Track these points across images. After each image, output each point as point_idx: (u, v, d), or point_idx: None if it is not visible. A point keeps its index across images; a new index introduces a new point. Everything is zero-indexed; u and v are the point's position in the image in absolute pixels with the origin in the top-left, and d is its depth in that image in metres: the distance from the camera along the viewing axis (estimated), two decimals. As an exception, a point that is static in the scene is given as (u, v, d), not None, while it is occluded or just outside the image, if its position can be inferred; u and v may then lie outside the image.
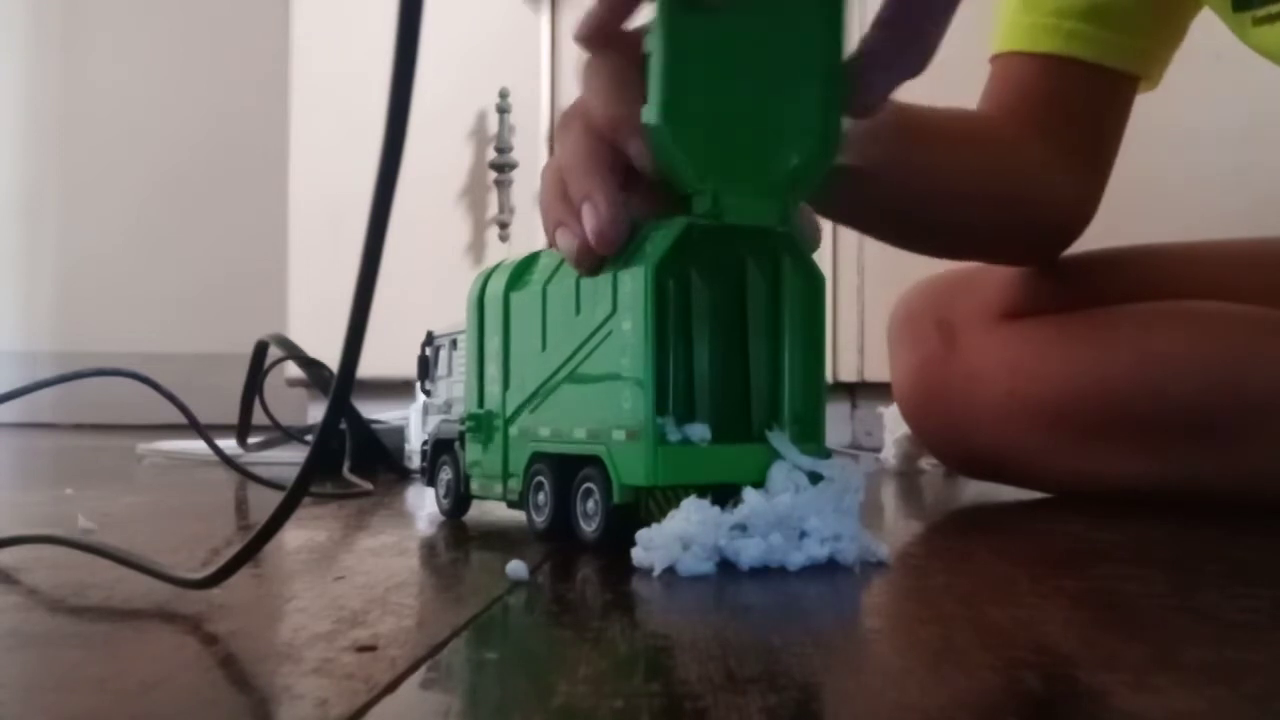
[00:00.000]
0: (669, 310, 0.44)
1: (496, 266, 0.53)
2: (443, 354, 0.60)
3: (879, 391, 0.86)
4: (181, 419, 0.74)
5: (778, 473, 0.43)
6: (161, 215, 2.18)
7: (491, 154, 1.55)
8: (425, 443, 0.59)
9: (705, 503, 0.42)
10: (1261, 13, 0.67)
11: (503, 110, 1.55)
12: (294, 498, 0.32)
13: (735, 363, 0.45)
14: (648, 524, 0.42)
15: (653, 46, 0.43)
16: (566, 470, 0.47)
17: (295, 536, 0.51)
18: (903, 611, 0.38)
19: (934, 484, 0.84)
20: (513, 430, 0.50)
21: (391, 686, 0.26)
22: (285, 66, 1.59)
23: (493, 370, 0.52)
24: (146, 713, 0.24)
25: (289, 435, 0.93)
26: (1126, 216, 0.82)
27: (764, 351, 0.45)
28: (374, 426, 0.89)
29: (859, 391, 1.51)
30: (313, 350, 0.96)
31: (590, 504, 0.46)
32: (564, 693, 0.25)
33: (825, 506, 0.43)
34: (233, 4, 2.16)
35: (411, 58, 0.28)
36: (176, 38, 2.19)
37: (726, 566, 0.41)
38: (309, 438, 0.95)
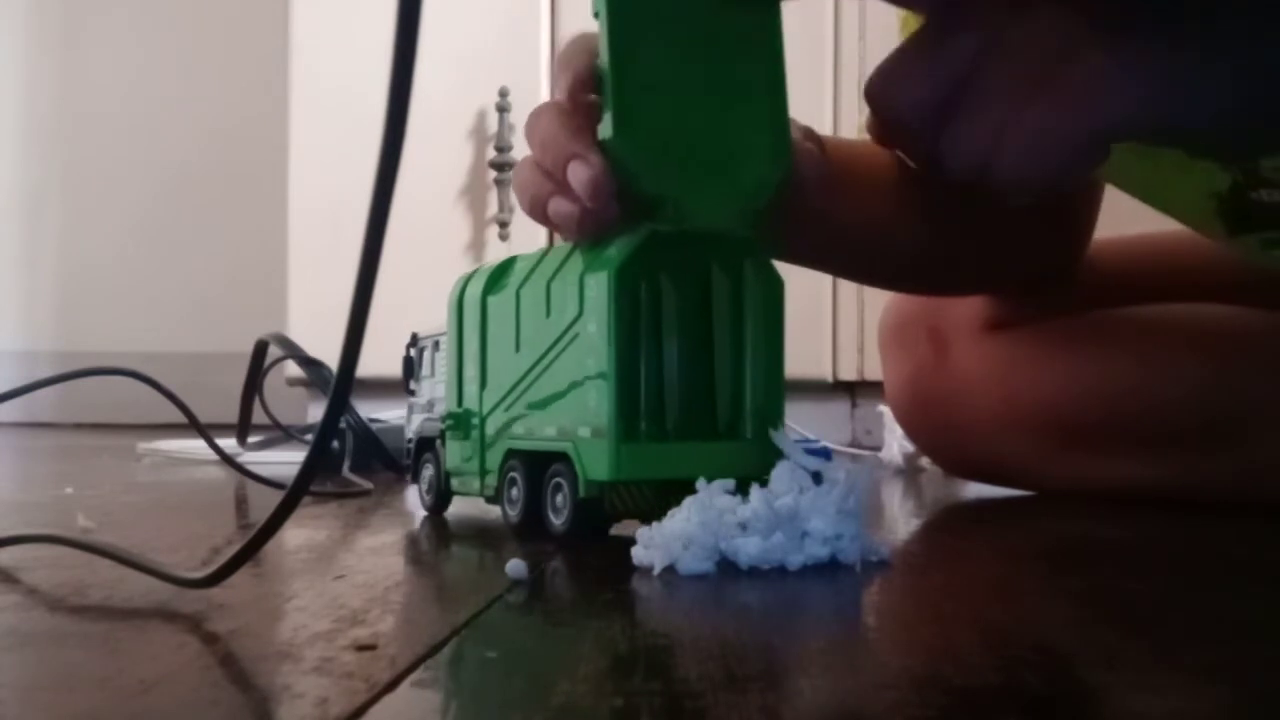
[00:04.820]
0: (641, 313, 0.45)
1: (475, 271, 0.55)
2: (426, 355, 0.61)
3: (879, 390, 0.86)
4: (181, 418, 0.74)
5: (782, 473, 0.43)
6: (162, 215, 2.18)
7: (491, 153, 1.55)
8: (409, 440, 0.61)
9: (706, 502, 0.42)
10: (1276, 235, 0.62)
11: (502, 109, 1.55)
12: (294, 497, 0.32)
13: (700, 362, 0.46)
14: (612, 516, 0.46)
15: (603, 65, 0.45)
16: (538, 466, 0.49)
17: (295, 536, 0.51)
18: (903, 611, 0.38)
19: (934, 482, 0.84)
20: (489, 428, 0.52)
21: (391, 685, 0.26)
22: (285, 66, 1.59)
23: (471, 371, 0.54)
24: (146, 712, 0.24)
25: (289, 435, 0.93)
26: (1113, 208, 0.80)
27: (728, 351, 0.47)
28: (373, 425, 0.89)
29: (859, 390, 1.51)
30: (313, 350, 0.95)
31: (559, 498, 0.48)
32: (564, 691, 0.25)
33: (828, 508, 0.43)
34: (233, 4, 2.16)
35: (411, 58, 0.28)
36: (176, 38, 2.19)
37: (726, 566, 0.41)
38: (309, 437, 0.95)
